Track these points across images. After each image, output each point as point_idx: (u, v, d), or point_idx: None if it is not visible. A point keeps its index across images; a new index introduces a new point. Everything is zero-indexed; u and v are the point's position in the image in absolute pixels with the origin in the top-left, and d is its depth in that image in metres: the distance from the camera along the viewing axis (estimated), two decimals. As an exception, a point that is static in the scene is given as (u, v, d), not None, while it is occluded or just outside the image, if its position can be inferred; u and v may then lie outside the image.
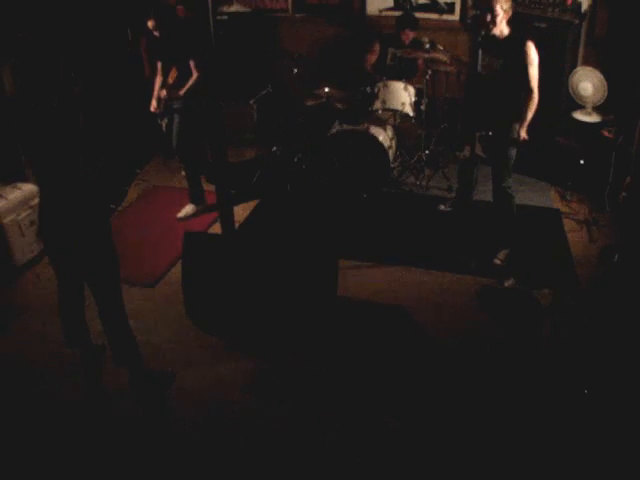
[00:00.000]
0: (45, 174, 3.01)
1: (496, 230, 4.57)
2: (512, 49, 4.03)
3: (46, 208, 3.09)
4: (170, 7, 5.34)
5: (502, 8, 3.95)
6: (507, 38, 4.07)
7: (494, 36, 4.07)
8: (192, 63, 4.72)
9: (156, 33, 4.69)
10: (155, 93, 4.99)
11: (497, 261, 4.45)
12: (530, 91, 4.05)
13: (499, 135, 4.23)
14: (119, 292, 3.31)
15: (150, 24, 4.64)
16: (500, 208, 4.45)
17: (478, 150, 4.45)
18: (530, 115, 4.10)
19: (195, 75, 4.73)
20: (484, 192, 5.23)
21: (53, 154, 2.92)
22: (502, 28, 4.05)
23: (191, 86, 4.76)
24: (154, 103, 4.98)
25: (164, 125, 5.05)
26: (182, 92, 4.77)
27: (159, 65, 5.00)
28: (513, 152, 4.25)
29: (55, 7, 4.93)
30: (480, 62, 4.23)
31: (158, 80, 5.00)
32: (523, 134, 4.15)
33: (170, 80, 4.78)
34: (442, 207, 5.20)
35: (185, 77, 4.78)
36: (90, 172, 3.00)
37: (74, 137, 2.92)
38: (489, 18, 3.97)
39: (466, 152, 4.50)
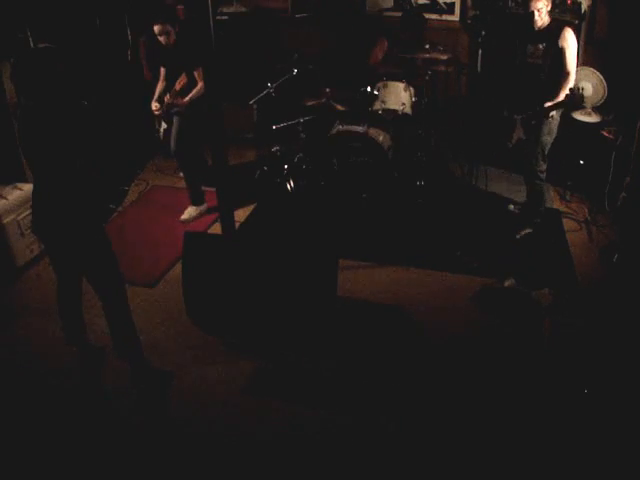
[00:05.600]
0: (42, 172, 3.00)
1: (523, 211, 4.84)
2: (552, 34, 4.25)
3: (39, 205, 3.10)
4: (172, 10, 5.33)
5: (544, 3, 4.19)
6: (548, 26, 4.29)
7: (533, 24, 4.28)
8: (197, 72, 4.68)
9: (161, 39, 4.65)
10: (155, 96, 4.95)
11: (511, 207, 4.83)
12: (566, 74, 4.25)
13: (538, 116, 4.37)
14: (122, 288, 3.32)
15: (156, 29, 4.59)
16: (529, 190, 4.69)
17: (519, 134, 4.58)
18: (562, 94, 4.26)
19: (200, 85, 4.69)
20: (486, 193, 5.26)
21: (53, 153, 2.91)
22: (544, 19, 4.27)
23: (194, 95, 4.73)
24: (156, 104, 4.92)
25: (162, 132, 5.02)
26: (186, 100, 4.74)
27: (162, 71, 4.98)
28: (548, 137, 4.44)
29: (56, 8, 4.93)
30: (527, 53, 4.41)
31: (160, 86, 4.97)
32: (549, 104, 4.30)
33: (177, 87, 4.72)
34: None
35: (191, 85, 4.75)
36: (87, 172, 2.99)
37: (76, 137, 2.92)
38: (537, 16, 4.21)
39: (514, 140, 4.65)
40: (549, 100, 4.29)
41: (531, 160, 4.55)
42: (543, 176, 4.59)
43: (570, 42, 4.23)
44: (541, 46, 4.31)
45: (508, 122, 4.71)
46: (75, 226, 3.07)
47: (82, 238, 3.10)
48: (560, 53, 4.23)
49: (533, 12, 4.19)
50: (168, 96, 4.79)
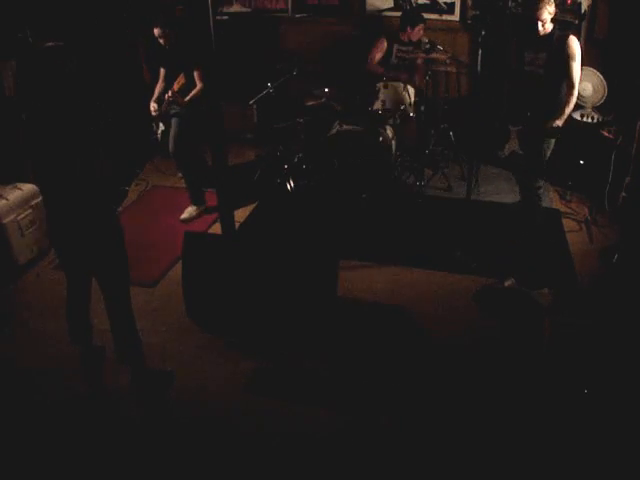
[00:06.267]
0: (50, 175, 3.00)
1: (513, 229, 4.66)
2: (555, 43, 4.10)
3: (50, 206, 3.10)
4: (172, 11, 5.32)
5: (549, 12, 4.02)
6: (549, 33, 4.12)
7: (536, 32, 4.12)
8: (197, 74, 4.68)
9: (161, 41, 4.65)
10: (154, 96, 4.94)
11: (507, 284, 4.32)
12: (571, 86, 4.10)
13: (537, 129, 4.24)
14: (128, 290, 3.32)
15: (156, 32, 4.60)
16: (526, 208, 4.54)
17: (514, 146, 4.45)
18: (568, 110, 4.15)
19: (199, 86, 4.70)
20: (485, 192, 5.26)
21: (60, 153, 2.90)
22: (547, 27, 4.12)
23: (194, 96, 4.73)
24: (154, 105, 4.90)
25: (159, 133, 5.01)
26: (186, 100, 4.74)
27: (162, 72, 4.97)
28: (548, 152, 4.31)
29: (56, 8, 4.93)
30: (526, 61, 4.27)
31: (159, 87, 4.96)
32: (558, 123, 4.16)
33: (175, 87, 4.71)
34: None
35: (190, 85, 4.74)
36: (98, 171, 2.99)
37: (82, 137, 2.91)
38: (540, 26, 4.05)
39: (507, 151, 4.51)
40: (550, 113, 4.14)
41: (530, 177, 4.42)
42: (540, 192, 4.47)
43: (577, 53, 4.08)
44: (542, 55, 4.16)
45: (502, 131, 4.57)
46: (89, 224, 3.06)
47: (97, 235, 3.10)
48: (565, 64, 4.08)
49: (537, 22, 4.02)
50: (169, 94, 4.77)
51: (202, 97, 4.66)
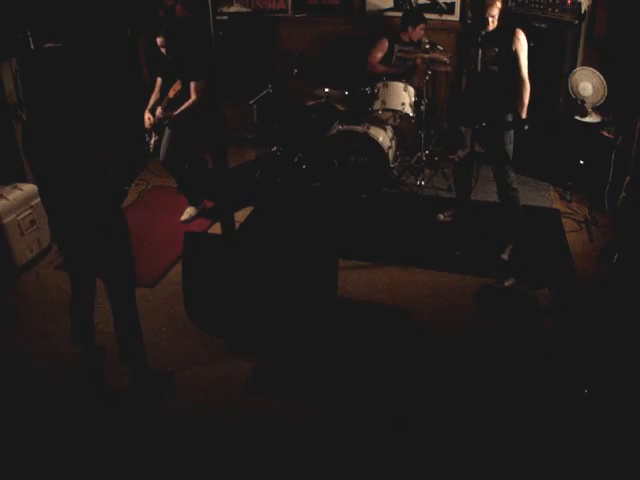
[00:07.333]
0: (51, 175, 2.99)
1: (501, 225, 4.61)
2: (503, 37, 4.14)
3: (55, 210, 3.09)
4: (172, 11, 5.31)
5: (498, 8, 4.07)
6: (497, 28, 4.15)
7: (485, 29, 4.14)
8: (193, 85, 4.66)
9: (163, 50, 4.64)
10: (149, 106, 4.90)
11: (504, 257, 4.47)
12: (522, 78, 4.15)
13: (495, 126, 4.26)
14: (134, 291, 3.32)
15: (159, 41, 4.58)
16: (505, 204, 4.50)
17: (474, 148, 4.41)
18: (526, 100, 4.17)
19: (193, 98, 4.67)
20: (484, 192, 5.26)
21: (61, 154, 2.90)
22: (495, 23, 4.14)
23: (184, 109, 4.69)
24: (148, 115, 4.86)
25: (152, 143, 4.96)
26: (175, 114, 4.71)
27: (158, 81, 4.93)
28: (510, 145, 4.32)
29: (56, 8, 4.93)
30: (479, 59, 4.22)
31: (154, 97, 4.92)
32: (523, 115, 4.20)
33: (171, 94, 4.67)
34: (441, 217, 5.09)
35: (185, 96, 4.71)
36: (99, 171, 2.98)
37: (84, 136, 2.91)
38: (490, 21, 4.07)
39: (459, 154, 4.48)
40: (505, 110, 4.20)
41: (499, 173, 4.41)
42: (515, 185, 4.45)
43: (524, 45, 4.12)
44: (493, 51, 4.15)
45: (454, 134, 4.51)
46: (93, 224, 3.06)
47: (101, 236, 3.09)
48: (514, 58, 4.12)
49: (487, 19, 4.03)
50: (159, 112, 4.76)
51: (193, 110, 4.66)
